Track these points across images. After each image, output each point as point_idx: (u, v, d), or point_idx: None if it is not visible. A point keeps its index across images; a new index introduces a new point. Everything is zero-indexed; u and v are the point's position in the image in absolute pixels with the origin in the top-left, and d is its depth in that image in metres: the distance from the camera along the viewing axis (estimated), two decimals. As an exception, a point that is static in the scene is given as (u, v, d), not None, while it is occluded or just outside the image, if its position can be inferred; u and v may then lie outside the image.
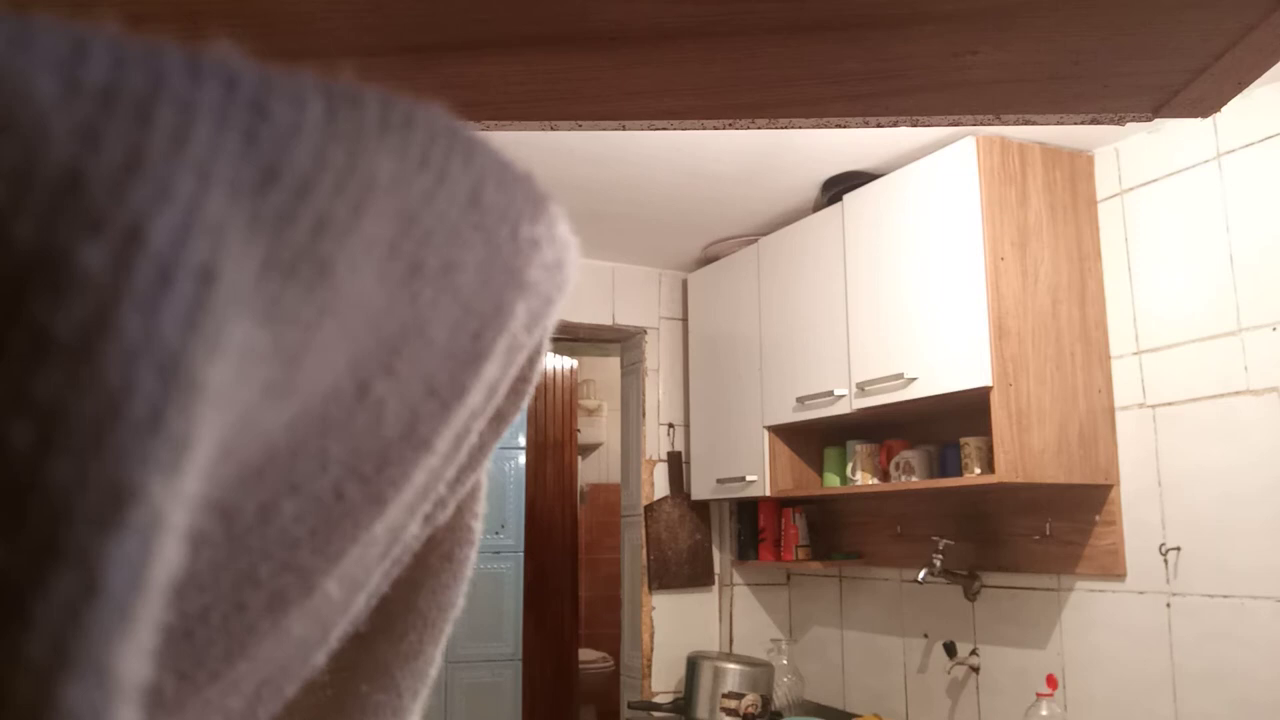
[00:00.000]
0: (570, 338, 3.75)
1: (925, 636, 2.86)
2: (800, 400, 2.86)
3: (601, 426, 5.76)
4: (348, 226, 0.16)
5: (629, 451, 3.66)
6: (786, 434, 3.04)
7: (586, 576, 5.57)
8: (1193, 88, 0.50)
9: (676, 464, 3.56)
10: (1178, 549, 2.19)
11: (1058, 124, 0.55)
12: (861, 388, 2.61)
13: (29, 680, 0.12)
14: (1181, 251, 2.26)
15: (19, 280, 0.13)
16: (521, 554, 4.13)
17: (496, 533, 4.06)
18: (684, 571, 3.46)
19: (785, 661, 3.25)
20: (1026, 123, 0.55)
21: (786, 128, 0.55)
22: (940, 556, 2.56)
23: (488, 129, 0.53)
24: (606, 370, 5.64)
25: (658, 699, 3.35)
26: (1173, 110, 0.53)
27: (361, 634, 0.26)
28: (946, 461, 2.58)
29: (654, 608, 3.43)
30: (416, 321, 0.20)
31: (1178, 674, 2.17)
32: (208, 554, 0.18)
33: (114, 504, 0.13)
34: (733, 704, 2.99)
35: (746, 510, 3.39)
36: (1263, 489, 2.04)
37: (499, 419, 0.25)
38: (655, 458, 3.55)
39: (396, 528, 0.23)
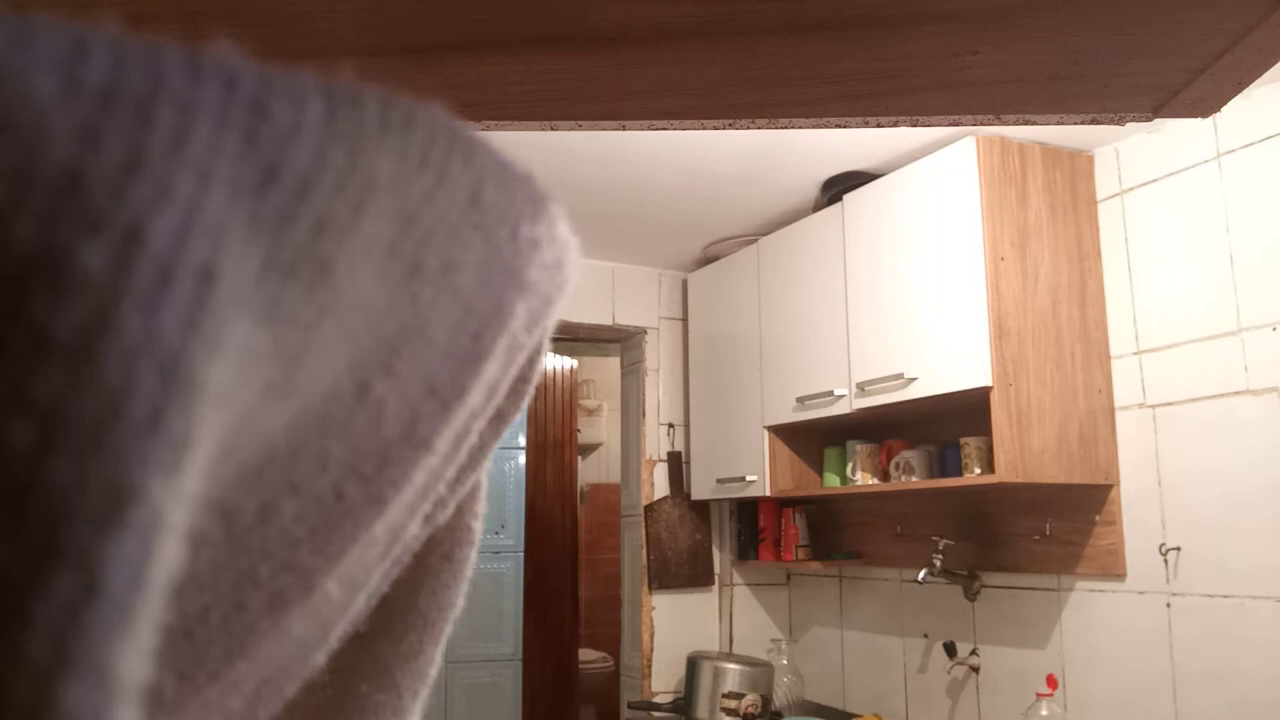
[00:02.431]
0: (570, 338, 3.75)
1: (925, 636, 2.86)
2: (800, 400, 2.86)
3: (601, 426, 5.76)
4: (348, 226, 0.16)
5: (629, 451, 3.66)
6: (786, 434, 3.04)
7: (586, 576, 5.57)
8: (1193, 88, 0.50)
9: (676, 464, 3.56)
10: (1178, 549, 2.19)
11: (1058, 124, 0.55)
12: (861, 388, 2.61)
13: (29, 680, 0.12)
14: (1181, 251, 2.26)
15: (19, 280, 0.13)
16: (521, 554, 4.13)
17: (496, 533, 4.06)
18: (684, 571, 3.46)
19: (785, 661, 3.25)
20: (1026, 123, 0.55)
21: (786, 128, 0.55)
22: (940, 556, 2.56)
23: (488, 129, 0.53)
24: (606, 370, 5.64)
25: (658, 699, 3.35)
26: (1173, 110, 0.53)
27: (361, 634, 0.26)
28: (946, 461, 2.58)
29: (654, 608, 3.43)
30: (416, 321, 0.20)
31: (1178, 674, 2.17)
32: (208, 554, 0.18)
33: (114, 504, 0.13)
34: (733, 704, 2.99)
35: (746, 510, 3.39)
36: (1263, 489, 2.04)
37: (499, 419, 0.25)
38: (655, 458, 3.55)
39: (396, 528, 0.23)
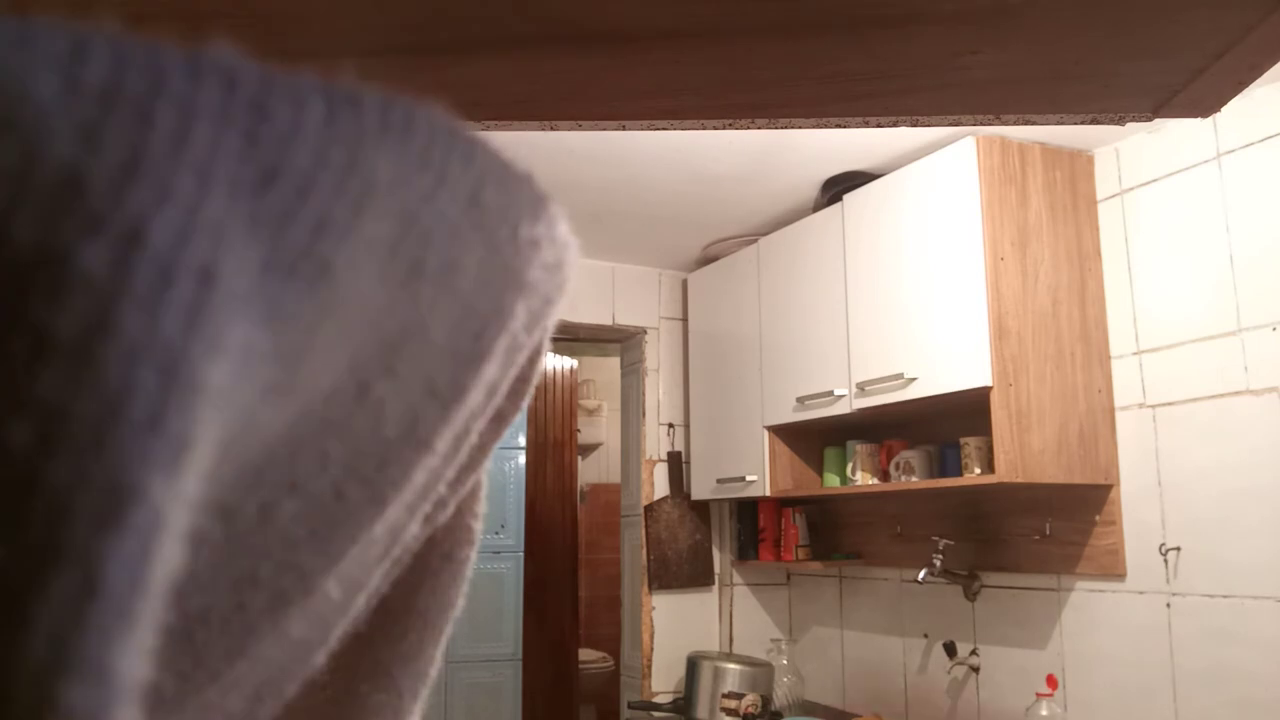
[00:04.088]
0: (570, 338, 3.75)
1: (925, 636, 2.86)
2: (800, 400, 2.86)
3: (601, 426, 5.76)
4: (348, 227, 0.16)
5: (629, 451, 3.66)
6: (786, 434, 3.04)
7: (586, 576, 5.57)
8: (1193, 88, 0.50)
9: (676, 464, 3.56)
10: (1178, 549, 2.19)
11: (1058, 124, 0.55)
12: (861, 388, 2.61)
13: (29, 680, 0.12)
14: (1181, 251, 2.26)
15: (19, 280, 0.13)
16: (521, 554, 4.13)
17: (496, 533, 4.06)
18: (684, 571, 3.46)
19: (785, 661, 3.25)
20: (1026, 123, 0.55)
21: (786, 128, 0.55)
22: (940, 556, 2.56)
23: (488, 129, 0.53)
24: (606, 370, 5.64)
25: (658, 699, 3.35)
26: (1173, 110, 0.53)
27: (361, 634, 0.26)
28: (946, 461, 2.58)
29: (654, 608, 3.43)
30: (417, 322, 0.20)
31: (1178, 674, 2.17)
32: (208, 554, 0.18)
33: (114, 504, 0.13)
34: (733, 704, 2.99)
35: (746, 510, 3.39)
36: (1263, 489, 2.04)
37: (499, 419, 0.25)
38: (655, 458, 3.55)
39: (396, 528, 0.23)
